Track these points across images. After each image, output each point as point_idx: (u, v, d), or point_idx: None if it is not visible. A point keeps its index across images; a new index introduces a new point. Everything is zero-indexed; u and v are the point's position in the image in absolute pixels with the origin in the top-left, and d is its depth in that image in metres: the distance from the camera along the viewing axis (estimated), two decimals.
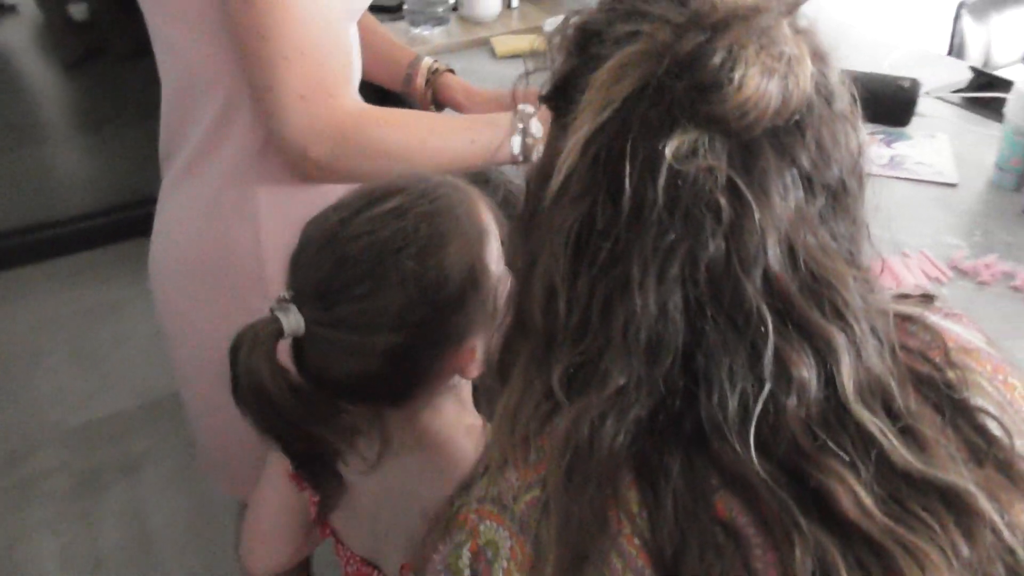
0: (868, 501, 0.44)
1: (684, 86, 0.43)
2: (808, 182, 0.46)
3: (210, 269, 0.97)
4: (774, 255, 0.45)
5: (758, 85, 0.43)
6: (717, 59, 0.43)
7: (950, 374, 0.50)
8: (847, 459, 0.45)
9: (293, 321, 0.70)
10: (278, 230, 0.92)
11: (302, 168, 0.88)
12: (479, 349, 0.75)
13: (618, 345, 0.46)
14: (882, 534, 0.44)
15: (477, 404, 0.82)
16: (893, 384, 0.48)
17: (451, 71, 1.22)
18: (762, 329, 0.45)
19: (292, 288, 0.72)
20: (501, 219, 0.77)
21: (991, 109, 1.42)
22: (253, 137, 0.91)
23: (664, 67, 0.44)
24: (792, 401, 0.45)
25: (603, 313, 0.47)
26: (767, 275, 0.45)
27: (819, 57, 0.46)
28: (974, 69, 1.56)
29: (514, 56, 1.59)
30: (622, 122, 0.45)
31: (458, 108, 1.19)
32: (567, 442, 0.47)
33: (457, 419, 0.80)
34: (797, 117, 0.45)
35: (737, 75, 0.43)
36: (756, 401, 0.45)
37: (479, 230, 0.74)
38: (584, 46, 0.49)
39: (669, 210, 0.44)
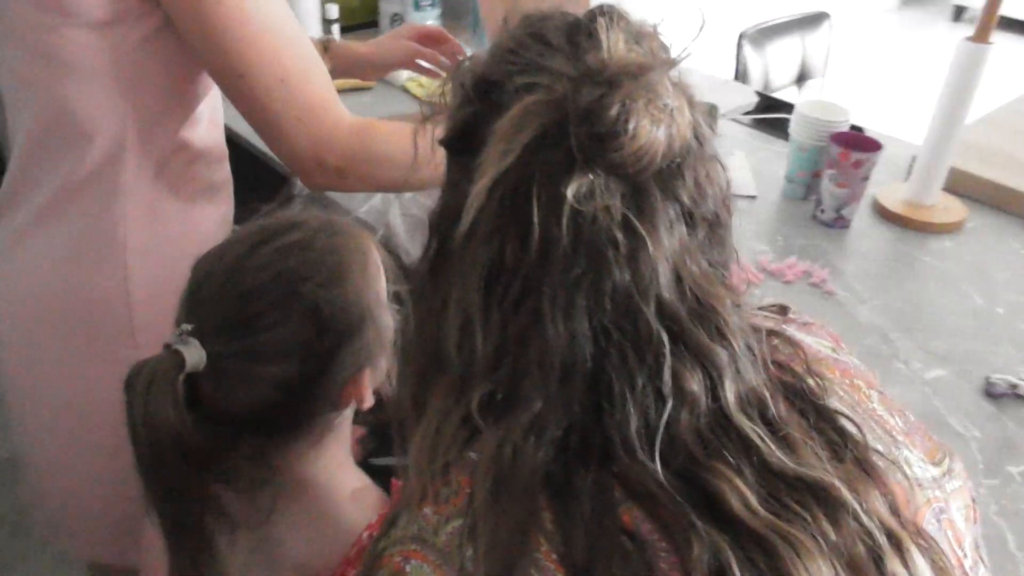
0: (752, 500, 0.49)
1: (583, 135, 0.48)
2: (689, 216, 0.51)
3: (70, 320, 0.92)
4: (665, 283, 0.50)
5: (648, 134, 0.48)
6: (613, 112, 0.48)
7: (811, 382, 0.57)
8: (733, 464, 0.50)
9: (195, 355, 0.69)
10: (147, 276, 0.90)
11: (321, 180, 0.89)
12: (372, 379, 0.77)
13: (534, 372, 0.50)
14: (765, 528, 0.49)
15: (382, 449, 0.84)
16: (767, 394, 0.53)
17: (332, 40, 1.28)
18: (660, 350, 0.50)
19: (191, 322, 0.71)
20: (386, 256, 0.80)
21: (777, 128, 1.61)
22: (126, 180, 0.88)
23: (563, 117, 0.49)
24: (685, 414, 0.50)
25: (518, 343, 0.50)
26: (660, 301, 0.50)
27: (692, 105, 0.52)
28: (759, 93, 1.75)
29: None
30: (525, 167, 0.49)
31: (369, 61, 1.27)
32: (492, 464, 0.50)
33: (342, 473, 0.82)
34: (678, 160, 0.51)
35: (631, 126, 0.48)
36: (659, 416, 0.50)
37: (374, 264, 0.77)
38: (484, 94, 0.53)
39: (573, 247, 0.48)
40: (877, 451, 0.55)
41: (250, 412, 0.73)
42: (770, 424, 0.53)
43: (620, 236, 0.49)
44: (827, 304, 1.12)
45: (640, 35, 0.54)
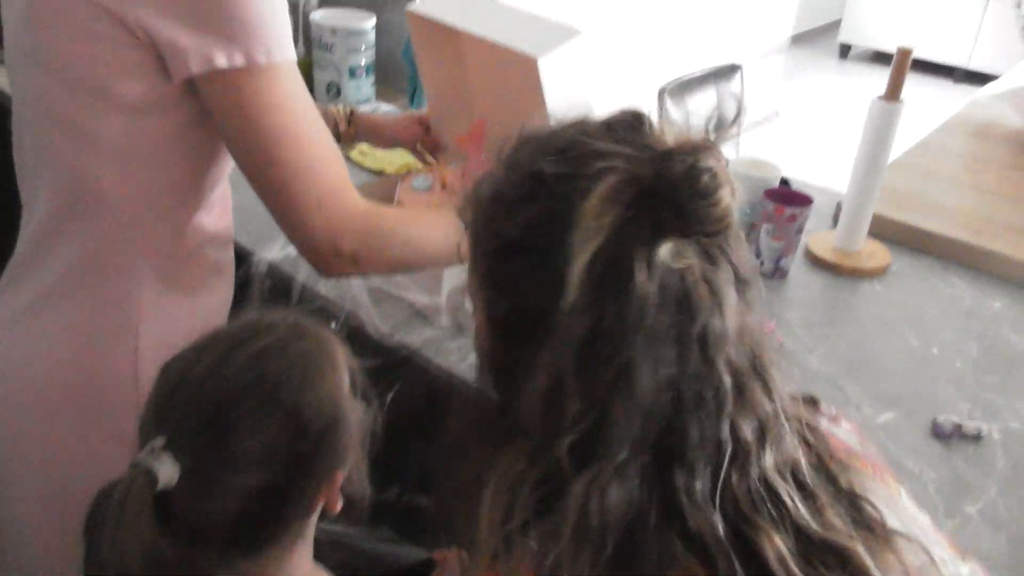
0: (788, 559, 0.54)
1: (678, 201, 0.55)
2: (737, 277, 0.57)
3: (76, 397, 0.92)
4: (732, 338, 0.56)
5: (728, 196, 0.56)
6: (706, 177, 0.55)
7: (833, 467, 0.61)
8: (773, 520, 0.55)
9: (168, 471, 0.67)
10: (156, 355, 0.88)
11: (337, 265, 0.91)
12: (341, 482, 0.78)
13: (621, 422, 0.54)
14: None
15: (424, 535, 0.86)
16: (800, 458, 0.58)
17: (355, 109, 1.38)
18: (726, 402, 0.55)
19: (163, 432, 0.69)
20: (349, 354, 0.81)
21: None
22: (142, 259, 0.90)
23: (646, 192, 0.55)
24: (737, 468, 0.55)
25: (607, 397, 0.54)
26: (728, 355, 0.56)
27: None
28: None
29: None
30: (617, 240, 0.55)
31: (380, 133, 1.39)
32: (578, 512, 0.54)
33: (306, 573, 0.81)
34: (730, 223, 0.57)
35: (719, 189, 0.55)
36: (720, 466, 0.54)
37: (342, 364, 0.78)
38: (550, 188, 0.58)
39: (662, 303, 0.54)
40: (898, 531, 0.59)
41: (225, 525, 0.71)
42: (801, 486, 0.58)
43: (704, 292, 0.55)
44: (779, 355, 1.18)
45: (677, 126, 0.61)
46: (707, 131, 0.62)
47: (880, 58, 5.92)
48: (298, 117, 0.86)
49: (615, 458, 0.54)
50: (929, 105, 4.58)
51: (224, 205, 1.00)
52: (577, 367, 0.55)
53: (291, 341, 0.75)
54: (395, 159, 1.65)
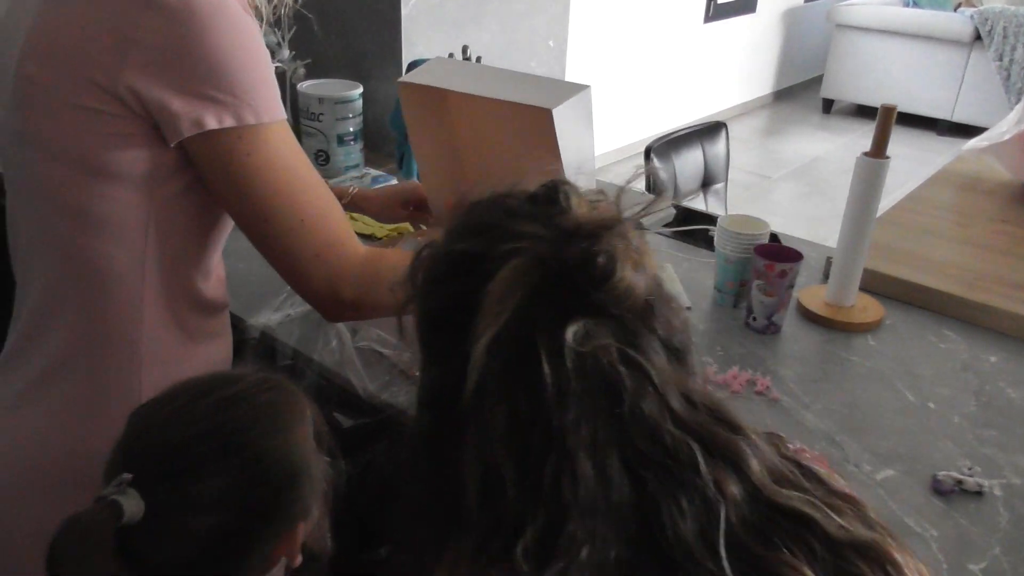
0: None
1: (576, 284, 0.54)
2: (665, 346, 0.58)
3: (76, 479, 0.87)
4: (676, 402, 0.56)
5: (630, 276, 0.55)
6: (601, 260, 0.55)
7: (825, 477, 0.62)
8: (796, 549, 0.54)
9: (133, 505, 0.68)
10: None
11: (337, 312, 0.95)
12: (304, 533, 0.78)
13: (575, 515, 0.53)
14: None
15: None
16: (794, 470, 0.59)
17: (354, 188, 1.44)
18: (694, 459, 0.55)
19: (130, 471, 0.70)
20: (316, 410, 0.82)
21: (697, 238, 1.69)
22: (145, 333, 0.90)
23: (551, 273, 0.55)
24: (732, 512, 0.54)
25: (553, 488, 0.53)
26: (676, 417, 0.56)
27: (650, 251, 0.60)
28: (676, 206, 1.85)
29: None
30: (522, 323, 0.54)
31: (367, 208, 1.43)
32: None
33: None
34: (651, 297, 0.57)
35: (617, 270, 0.55)
36: (716, 519, 0.54)
37: (308, 420, 0.80)
38: (465, 269, 0.58)
39: (583, 386, 0.54)
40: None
41: (182, 568, 0.71)
42: (814, 496, 0.58)
43: (623, 369, 0.55)
44: (775, 411, 1.17)
45: (592, 200, 0.61)
46: (617, 205, 0.63)
47: (863, 111, 6.02)
48: (290, 175, 0.87)
49: (576, 554, 0.52)
50: (914, 157, 4.64)
51: (218, 273, 1.00)
52: (511, 459, 0.54)
53: (258, 392, 0.77)
54: (385, 223, 1.65)
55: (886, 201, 1.74)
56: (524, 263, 0.55)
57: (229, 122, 0.82)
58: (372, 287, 0.92)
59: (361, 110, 1.90)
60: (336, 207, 0.93)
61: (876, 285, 1.48)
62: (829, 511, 0.56)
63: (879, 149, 1.33)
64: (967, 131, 3.49)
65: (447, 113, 1.38)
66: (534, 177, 0.62)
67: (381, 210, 1.43)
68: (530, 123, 1.15)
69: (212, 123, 0.81)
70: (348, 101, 1.86)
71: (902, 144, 4.69)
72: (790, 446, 0.71)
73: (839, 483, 0.65)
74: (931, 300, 1.45)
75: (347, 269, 0.91)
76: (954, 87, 5.55)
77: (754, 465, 0.57)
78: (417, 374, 1.11)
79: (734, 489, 0.55)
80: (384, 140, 1.99)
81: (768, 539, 0.54)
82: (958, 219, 1.79)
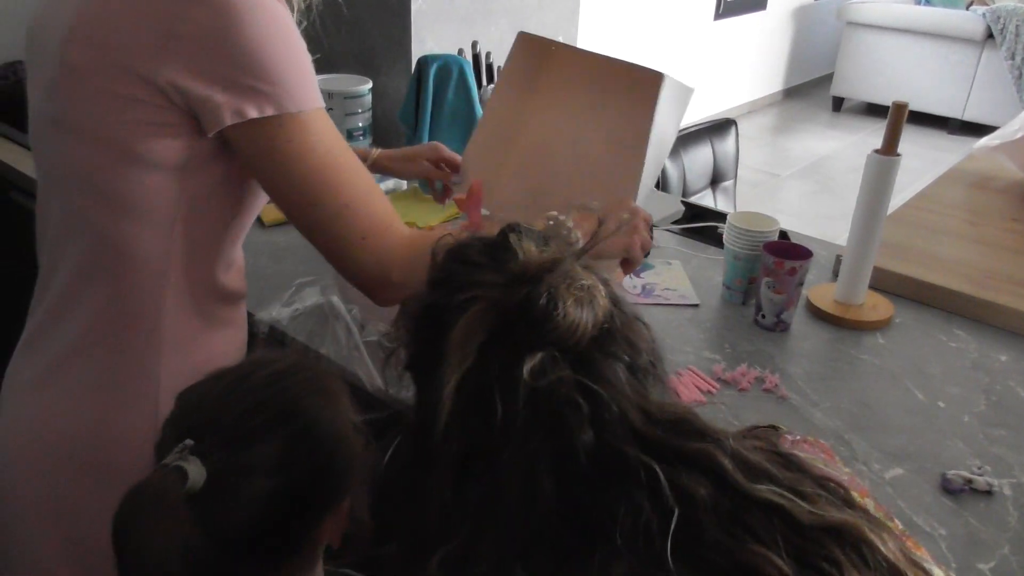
0: (787, 569, 0.55)
1: (522, 325, 0.58)
2: (630, 369, 0.61)
3: (94, 456, 0.93)
4: (636, 419, 0.59)
5: (575, 311, 0.59)
6: (543, 300, 0.58)
7: (802, 463, 0.64)
8: (765, 538, 0.56)
9: (196, 472, 0.69)
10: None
11: (387, 294, 0.95)
12: (346, 511, 0.81)
13: (490, 534, 0.58)
14: None
15: None
16: (770, 466, 0.61)
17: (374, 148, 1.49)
18: (653, 475, 0.57)
19: (191, 436, 0.72)
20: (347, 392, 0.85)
21: (706, 235, 1.69)
22: (165, 317, 0.92)
23: (503, 317, 0.58)
24: (706, 515, 0.56)
25: (478, 510, 0.58)
26: (639, 435, 0.59)
27: (604, 281, 0.63)
28: (685, 203, 1.84)
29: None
30: (482, 366, 0.58)
31: (393, 168, 1.49)
32: None
33: None
34: (606, 325, 0.61)
35: (559, 309, 0.58)
36: (668, 526, 0.56)
37: (345, 399, 0.82)
38: (431, 320, 0.62)
39: (531, 420, 0.57)
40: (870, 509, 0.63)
41: (245, 532, 0.73)
42: (786, 487, 0.59)
43: (580, 399, 0.58)
44: (783, 409, 1.17)
45: (547, 238, 0.66)
46: (564, 244, 0.67)
47: (873, 110, 6.00)
48: (332, 160, 0.89)
49: (480, 567, 0.57)
50: (924, 156, 4.62)
51: (239, 262, 1.03)
52: (455, 487, 0.59)
53: (300, 370, 0.80)
54: (408, 179, 1.72)
55: (895, 200, 1.72)
56: (479, 310, 0.59)
57: (270, 111, 0.83)
58: (420, 268, 0.93)
59: (370, 105, 1.90)
60: (378, 190, 0.94)
61: (886, 283, 1.47)
62: (798, 499, 0.58)
63: (890, 146, 1.32)
64: (978, 130, 3.47)
65: (546, 77, 1.42)
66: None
67: (404, 166, 1.48)
68: (636, 86, 1.22)
69: (253, 112, 0.83)
70: (357, 96, 1.86)
71: (912, 143, 4.67)
72: (788, 437, 0.71)
73: (831, 469, 0.67)
74: (941, 299, 1.44)
75: (394, 251, 0.92)
76: (965, 86, 5.53)
77: (726, 464, 0.58)
78: None
79: (703, 492, 0.57)
80: (393, 135, 1.99)
81: (741, 532, 0.56)
82: (969, 217, 1.78)
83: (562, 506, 0.57)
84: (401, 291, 0.94)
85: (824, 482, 0.62)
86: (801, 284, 1.34)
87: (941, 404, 1.19)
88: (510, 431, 0.57)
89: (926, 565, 0.61)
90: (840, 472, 0.69)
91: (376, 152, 1.47)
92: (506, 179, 1.47)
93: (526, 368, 0.57)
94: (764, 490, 0.58)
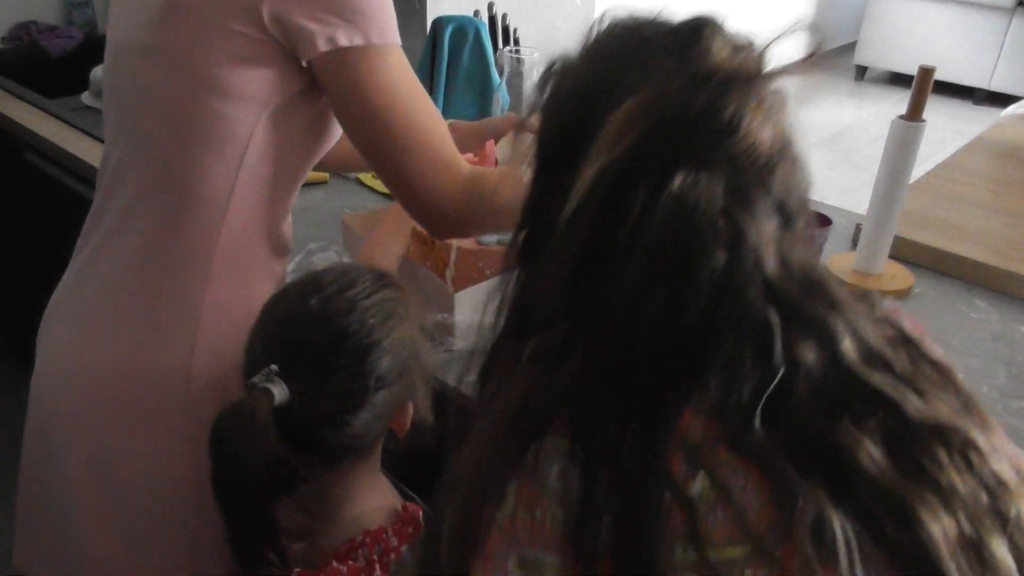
0: (880, 457, 0.52)
1: (697, 133, 0.53)
2: (780, 211, 0.56)
3: (130, 391, 0.96)
4: (771, 266, 0.55)
5: (757, 134, 0.54)
6: (727, 113, 0.53)
7: (925, 344, 0.61)
8: (860, 422, 0.53)
9: (281, 393, 0.80)
10: (210, 351, 0.95)
11: (443, 229, 1.02)
12: (411, 411, 0.92)
13: (591, 335, 0.56)
14: (891, 486, 0.51)
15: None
16: (889, 351, 0.57)
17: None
18: (768, 327, 0.54)
19: (275, 361, 0.82)
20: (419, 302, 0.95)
21: None
22: (216, 257, 0.95)
23: (674, 115, 0.53)
24: (803, 381, 0.53)
25: (585, 312, 0.56)
26: (768, 282, 0.55)
27: (784, 110, 0.58)
28: None
29: None
30: (632, 159, 0.54)
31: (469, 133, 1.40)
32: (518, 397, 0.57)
33: (374, 482, 0.96)
34: (775, 159, 0.56)
35: (743, 127, 0.53)
36: (767, 385, 0.53)
37: (416, 307, 0.92)
38: (588, 95, 0.58)
39: (663, 238, 0.53)
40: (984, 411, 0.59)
41: (325, 442, 0.85)
42: (899, 377, 0.56)
43: (721, 224, 0.53)
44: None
45: (738, 46, 0.58)
46: (763, 56, 0.59)
47: (897, 80, 5.89)
48: (407, 95, 0.93)
49: (573, 361, 0.55)
50: (949, 127, 4.55)
51: (289, 218, 1.05)
52: (570, 283, 0.56)
53: (377, 290, 0.88)
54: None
55: (919, 170, 1.69)
56: (648, 99, 0.54)
57: (359, 40, 0.88)
58: (475, 206, 0.97)
59: None
60: (444, 130, 0.98)
61: (906, 253, 1.45)
62: (912, 394, 0.55)
63: (915, 111, 1.29)
64: (1005, 100, 3.39)
65: None
66: None
67: (468, 143, 1.41)
68: None
69: (343, 41, 0.88)
70: None
71: (937, 113, 4.59)
72: (891, 305, 0.67)
73: (934, 351, 0.63)
74: (962, 269, 1.42)
75: (453, 188, 0.95)
76: (993, 54, 5.41)
77: (846, 342, 0.55)
78: (446, 340, 1.13)
79: (811, 358, 0.54)
80: None
81: (840, 413, 0.53)
82: (993, 187, 1.75)
83: (664, 331, 0.54)
84: (455, 225, 0.99)
85: (944, 371, 0.59)
86: (820, 253, 1.32)
87: (961, 375, 1.17)
88: (641, 237, 0.53)
89: None
90: (935, 353, 0.64)
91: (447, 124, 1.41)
92: None
93: (679, 176, 0.52)
94: (878, 379, 0.55)
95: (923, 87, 1.29)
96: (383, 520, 0.94)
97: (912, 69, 1.31)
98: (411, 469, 1.01)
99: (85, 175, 1.70)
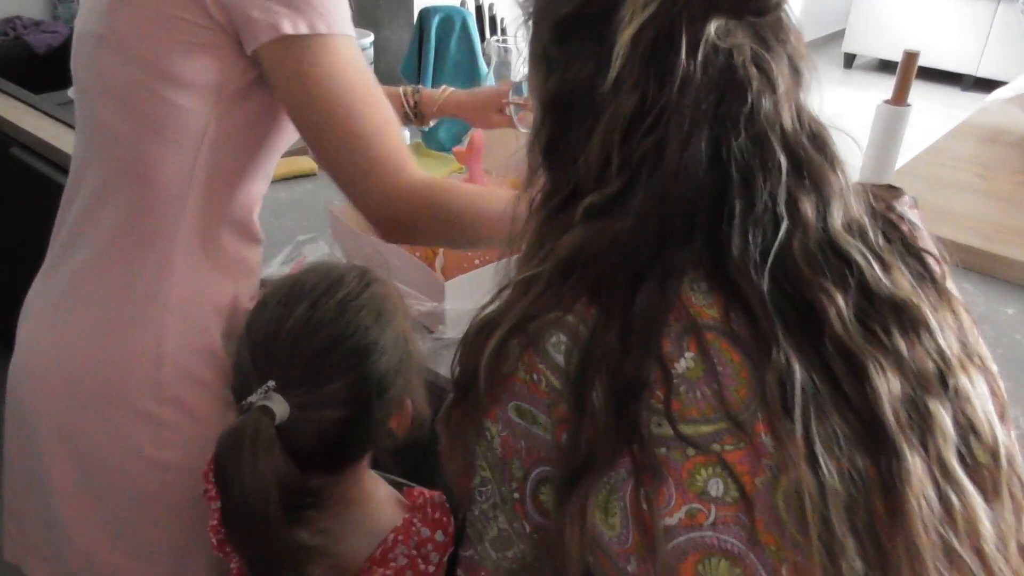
0: (847, 315, 0.56)
1: None
2: (791, 61, 0.61)
3: (101, 378, 0.95)
4: (788, 115, 0.59)
5: None
6: None
7: (904, 226, 0.65)
8: (834, 282, 0.57)
9: (281, 408, 0.77)
10: (179, 336, 0.95)
11: (391, 231, 0.96)
12: (410, 408, 0.89)
13: (640, 191, 0.58)
14: (852, 343, 0.56)
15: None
16: (867, 223, 0.61)
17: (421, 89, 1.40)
18: (779, 175, 0.58)
19: (269, 378, 0.78)
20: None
21: None
22: (179, 241, 0.94)
23: None
24: (799, 237, 0.57)
25: (639, 166, 0.58)
26: (783, 131, 0.59)
27: None
28: None
29: (285, 178, 1.62)
30: (666, 15, 0.57)
31: (455, 102, 1.37)
32: (579, 243, 0.60)
33: (372, 481, 0.94)
34: (780, 8, 0.61)
35: None
36: (774, 236, 0.57)
37: (403, 302, 0.89)
38: None
39: (706, 82, 0.57)
40: (950, 291, 0.64)
41: (325, 451, 0.81)
42: (870, 248, 0.60)
43: (753, 71, 0.58)
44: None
45: None
46: None
47: (886, 67, 5.91)
48: (354, 88, 0.90)
49: (627, 217, 0.58)
50: (937, 113, 4.56)
51: (257, 206, 1.04)
52: (621, 142, 0.58)
53: (363, 289, 0.85)
54: (482, 128, 1.63)
55: (907, 156, 1.70)
56: None
57: (303, 28, 0.86)
58: (431, 213, 0.94)
59: (372, 59, 1.87)
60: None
61: None
62: (876, 265, 0.59)
63: (900, 95, 1.30)
64: (992, 86, 3.41)
65: None
66: None
67: (475, 115, 1.41)
68: None
69: (288, 28, 0.86)
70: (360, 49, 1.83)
71: (925, 99, 4.60)
72: (908, 199, 0.71)
73: (927, 244, 0.67)
74: (950, 252, 1.42)
75: (403, 189, 0.93)
76: (980, 41, 5.43)
77: (834, 203, 0.59)
78: (436, 328, 1.12)
79: (808, 213, 0.58)
80: None
81: (817, 273, 0.57)
82: (980, 171, 1.76)
83: (705, 179, 0.58)
84: (405, 230, 0.96)
85: (921, 256, 0.63)
86: None
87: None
88: (685, 88, 0.56)
89: (988, 363, 0.63)
90: (925, 243, 0.68)
91: (447, 92, 1.38)
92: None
93: (713, 25, 0.56)
94: (851, 243, 0.59)
95: (908, 71, 1.30)
96: (396, 514, 0.92)
97: (900, 56, 1.32)
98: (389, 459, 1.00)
99: None
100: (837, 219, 0.59)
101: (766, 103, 0.58)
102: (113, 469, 0.98)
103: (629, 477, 0.56)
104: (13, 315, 1.04)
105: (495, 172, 1.44)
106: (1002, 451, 0.61)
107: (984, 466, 0.60)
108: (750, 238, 0.57)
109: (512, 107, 1.32)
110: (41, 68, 2.15)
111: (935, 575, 0.55)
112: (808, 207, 0.58)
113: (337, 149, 0.91)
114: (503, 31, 1.91)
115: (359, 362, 0.81)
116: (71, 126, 1.80)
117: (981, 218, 1.52)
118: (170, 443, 0.96)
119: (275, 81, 0.91)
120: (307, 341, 0.80)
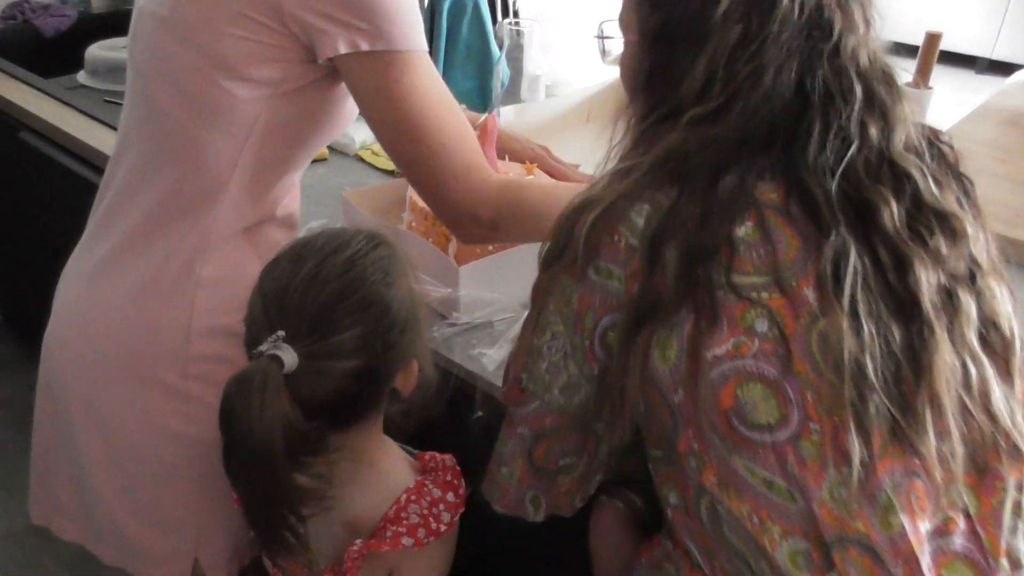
0: (898, 216, 0.69)
1: None
2: (863, 11, 0.74)
3: (132, 350, 0.97)
4: (863, 55, 0.72)
5: None
6: None
7: (951, 155, 0.78)
8: (892, 191, 0.70)
9: (290, 358, 0.80)
10: (209, 312, 0.97)
11: (475, 232, 1.01)
12: (416, 370, 0.92)
13: (737, 107, 0.70)
14: (900, 240, 0.68)
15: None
16: (924, 146, 0.74)
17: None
18: (854, 102, 0.71)
19: (278, 329, 0.81)
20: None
21: None
22: (216, 220, 0.96)
23: None
24: (864, 151, 0.70)
25: (739, 88, 0.70)
26: (859, 66, 0.72)
27: None
28: None
29: None
30: None
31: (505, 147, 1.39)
32: (676, 145, 0.72)
33: (383, 441, 0.97)
34: None
35: None
36: (845, 151, 0.70)
37: (411, 266, 0.92)
38: None
39: (802, 17, 0.70)
40: (983, 212, 0.77)
41: (334, 404, 0.84)
42: (928, 167, 0.73)
43: (838, 14, 0.71)
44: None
45: None
46: None
47: (899, 49, 5.83)
48: (434, 100, 0.94)
49: (724, 125, 0.70)
50: (951, 96, 4.51)
51: (296, 193, 1.07)
52: (726, 64, 0.70)
53: (371, 249, 0.88)
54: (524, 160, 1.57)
55: None
56: None
57: (381, 46, 0.89)
58: (511, 211, 0.98)
59: None
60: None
61: None
62: (932, 182, 0.71)
63: (922, 77, 1.28)
64: (1008, 69, 3.35)
65: None
66: None
67: (520, 152, 1.36)
68: None
69: (365, 46, 0.89)
70: None
71: (939, 82, 4.54)
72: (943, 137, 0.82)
73: (964, 166, 0.80)
74: None
75: (485, 191, 0.97)
76: (996, 22, 5.35)
77: (898, 129, 0.71)
78: (451, 315, 1.12)
79: (875, 135, 0.70)
80: None
81: (877, 179, 0.70)
82: (999, 155, 1.73)
83: (791, 101, 0.70)
84: (488, 229, 1.00)
85: (963, 178, 0.77)
86: None
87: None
88: (783, 23, 0.69)
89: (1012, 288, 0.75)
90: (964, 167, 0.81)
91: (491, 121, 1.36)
92: None
93: None
94: (910, 160, 0.71)
95: (929, 53, 1.28)
96: (409, 475, 0.95)
97: (914, 38, 1.29)
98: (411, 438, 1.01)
99: (80, 154, 1.68)
100: (899, 142, 0.71)
101: (848, 41, 0.71)
102: (137, 441, 1.01)
103: (689, 316, 0.68)
104: (23, 293, 1.04)
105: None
106: (1017, 344, 0.73)
107: (999, 354, 0.72)
108: (825, 150, 0.69)
109: (602, 42, 1.30)
110: (49, 52, 2.14)
111: (953, 423, 0.67)
112: (875, 130, 0.70)
113: (423, 160, 0.95)
114: (515, 13, 1.89)
115: (365, 315, 0.84)
116: (80, 110, 1.79)
117: (1001, 203, 1.49)
118: (194, 418, 0.98)
119: (356, 95, 0.95)
120: (315, 294, 0.83)
